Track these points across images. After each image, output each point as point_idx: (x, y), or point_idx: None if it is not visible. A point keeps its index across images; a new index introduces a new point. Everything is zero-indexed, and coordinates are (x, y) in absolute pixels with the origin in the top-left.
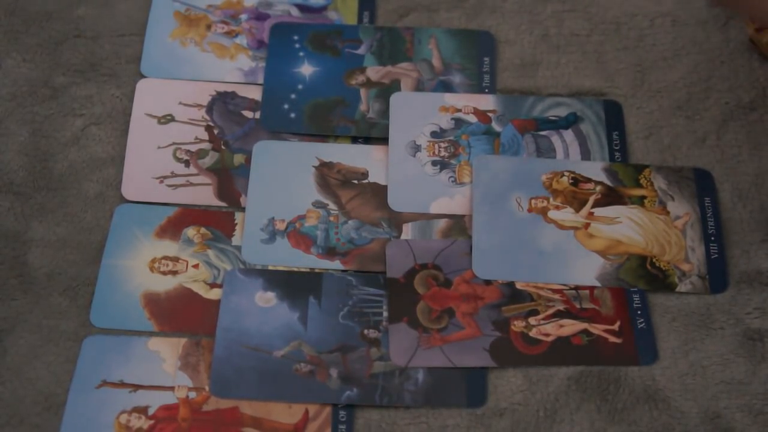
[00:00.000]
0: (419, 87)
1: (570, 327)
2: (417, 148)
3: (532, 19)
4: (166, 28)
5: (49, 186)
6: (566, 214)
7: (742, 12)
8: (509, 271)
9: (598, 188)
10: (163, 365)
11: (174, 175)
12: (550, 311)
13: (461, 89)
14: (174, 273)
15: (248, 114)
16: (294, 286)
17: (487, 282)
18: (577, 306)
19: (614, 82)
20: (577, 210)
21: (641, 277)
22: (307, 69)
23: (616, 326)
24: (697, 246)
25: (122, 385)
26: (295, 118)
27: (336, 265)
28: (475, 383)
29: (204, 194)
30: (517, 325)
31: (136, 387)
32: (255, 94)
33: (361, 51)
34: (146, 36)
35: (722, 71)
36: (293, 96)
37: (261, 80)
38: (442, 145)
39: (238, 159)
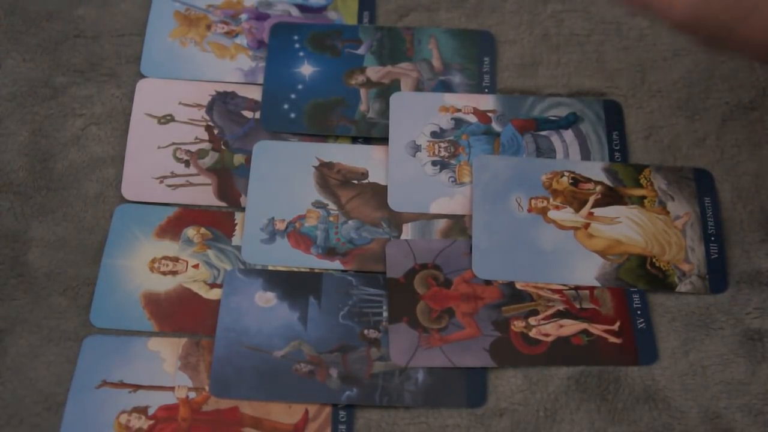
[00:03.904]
0: (419, 87)
1: (570, 327)
2: (417, 148)
3: (532, 19)
4: (166, 28)
5: (49, 186)
6: (566, 214)
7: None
8: (509, 271)
9: (598, 188)
10: (163, 365)
11: (174, 175)
12: (550, 311)
13: (461, 89)
14: (174, 273)
15: (248, 114)
16: (294, 286)
17: (487, 282)
18: (577, 306)
19: (614, 82)
20: (577, 210)
21: (641, 277)
22: (307, 69)
23: (616, 326)
24: (697, 246)
25: (122, 385)
26: (295, 118)
27: (336, 265)
28: (475, 383)
29: (204, 194)
30: (517, 325)
31: (136, 387)
32: (255, 94)
33: (361, 51)
34: (146, 36)
35: (722, 71)
36: (293, 96)
37: (261, 80)
38: (442, 145)
39: (238, 159)
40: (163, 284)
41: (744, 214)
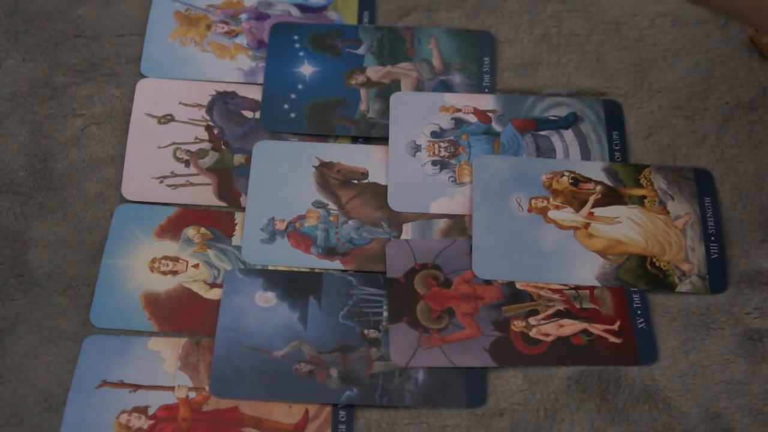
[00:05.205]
0: (419, 87)
1: (570, 327)
2: (417, 148)
3: (532, 19)
4: (166, 28)
5: (49, 186)
6: (566, 214)
7: (736, 17)
8: (509, 271)
9: (598, 188)
10: (163, 365)
11: (174, 175)
12: (550, 311)
13: (461, 89)
14: (174, 273)
15: (248, 114)
16: (294, 286)
17: (487, 282)
18: (577, 306)
19: (614, 82)
20: (577, 210)
21: (641, 277)
22: (307, 69)
23: (616, 326)
24: (697, 246)
25: (122, 385)
26: (295, 118)
27: (336, 265)
28: (475, 383)
29: (204, 194)
30: (517, 325)
31: (136, 387)
32: (255, 94)
33: (361, 51)
34: (146, 36)
35: (722, 71)
36: (293, 96)
37: (261, 80)
38: (442, 145)
39: (238, 159)
40: (163, 284)
41: (744, 214)
